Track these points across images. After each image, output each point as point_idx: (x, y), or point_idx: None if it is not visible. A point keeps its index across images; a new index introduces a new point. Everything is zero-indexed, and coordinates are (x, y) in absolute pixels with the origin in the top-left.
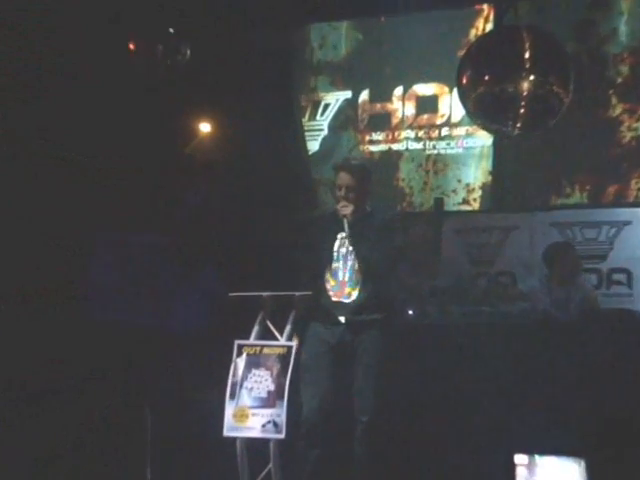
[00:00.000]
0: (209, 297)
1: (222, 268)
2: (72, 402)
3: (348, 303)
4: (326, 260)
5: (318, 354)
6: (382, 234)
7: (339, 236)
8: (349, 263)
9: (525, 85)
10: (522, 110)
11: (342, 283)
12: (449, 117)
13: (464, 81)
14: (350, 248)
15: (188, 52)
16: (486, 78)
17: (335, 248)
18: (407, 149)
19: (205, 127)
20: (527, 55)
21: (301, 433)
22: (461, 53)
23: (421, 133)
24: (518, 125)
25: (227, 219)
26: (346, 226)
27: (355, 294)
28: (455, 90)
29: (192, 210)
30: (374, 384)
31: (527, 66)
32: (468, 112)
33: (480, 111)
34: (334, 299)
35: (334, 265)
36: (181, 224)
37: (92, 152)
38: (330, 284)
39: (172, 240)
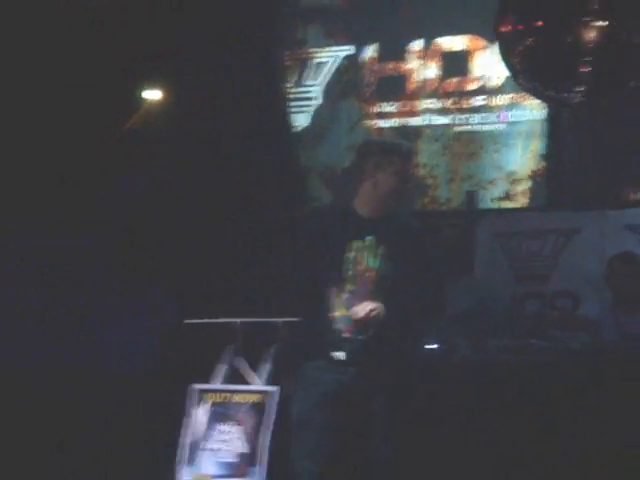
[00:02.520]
0: (156, 325)
1: (175, 285)
2: None
3: (361, 339)
4: (331, 279)
5: (318, 405)
6: (415, 241)
7: (356, 245)
8: (370, 285)
9: (592, 33)
10: (588, 68)
11: None
12: (486, 81)
13: (506, 29)
14: (373, 262)
15: None
16: (538, 24)
17: (350, 261)
18: (429, 125)
19: (153, 95)
20: None
21: None
22: None
23: (448, 103)
24: (582, 89)
25: (181, 217)
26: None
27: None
28: (494, 43)
29: (130, 203)
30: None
31: (595, 6)
32: (513, 73)
33: (529, 71)
34: (345, 335)
35: (347, 287)
36: (115, 222)
37: None
38: (339, 313)
39: (103, 244)
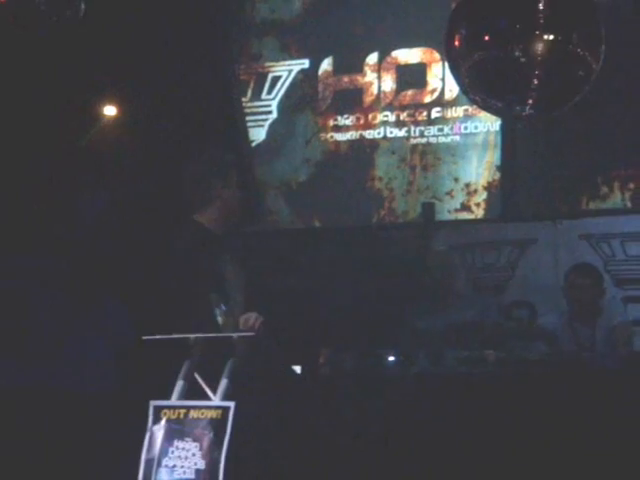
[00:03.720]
0: (113, 342)
1: (131, 302)
2: None
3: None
4: (214, 296)
5: None
6: None
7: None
8: (241, 296)
9: (539, 47)
10: (536, 81)
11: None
12: (441, 93)
13: (456, 43)
14: (237, 275)
15: (82, 6)
16: (486, 38)
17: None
18: (385, 137)
19: (109, 110)
20: (541, 5)
21: None
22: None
23: (404, 115)
24: (531, 102)
25: (138, 234)
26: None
27: None
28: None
29: (88, 222)
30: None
31: (541, 21)
32: (462, 86)
33: (478, 85)
34: None
35: (227, 301)
36: (72, 241)
37: None
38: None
39: (59, 263)
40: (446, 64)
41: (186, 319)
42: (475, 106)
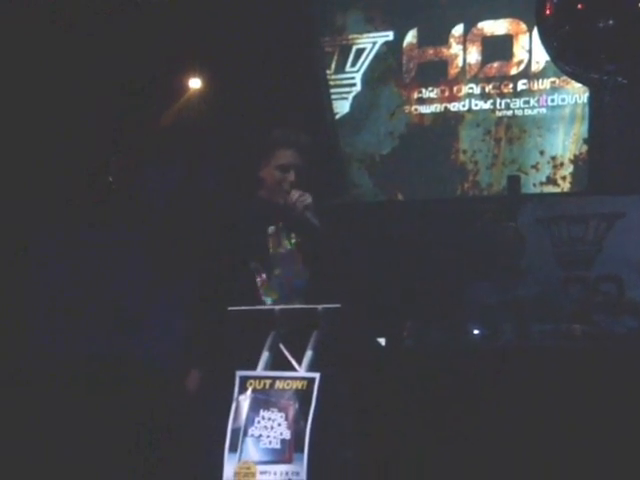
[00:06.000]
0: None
1: (213, 273)
2: None
3: None
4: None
5: None
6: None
7: (271, 231)
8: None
9: (634, 15)
10: (629, 51)
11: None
12: (528, 65)
13: (547, 12)
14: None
15: None
16: (579, 7)
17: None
18: (470, 110)
19: (194, 83)
20: None
21: None
22: None
23: (489, 88)
24: (623, 71)
25: (218, 206)
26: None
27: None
28: (535, 27)
29: (166, 193)
30: None
31: None
32: (553, 57)
33: (570, 55)
34: None
35: (276, 272)
36: (151, 213)
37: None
38: (271, 297)
39: (140, 235)
40: (533, 36)
41: (230, 290)
42: (563, 78)
